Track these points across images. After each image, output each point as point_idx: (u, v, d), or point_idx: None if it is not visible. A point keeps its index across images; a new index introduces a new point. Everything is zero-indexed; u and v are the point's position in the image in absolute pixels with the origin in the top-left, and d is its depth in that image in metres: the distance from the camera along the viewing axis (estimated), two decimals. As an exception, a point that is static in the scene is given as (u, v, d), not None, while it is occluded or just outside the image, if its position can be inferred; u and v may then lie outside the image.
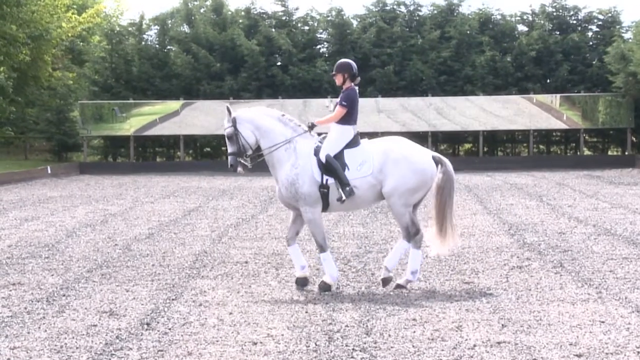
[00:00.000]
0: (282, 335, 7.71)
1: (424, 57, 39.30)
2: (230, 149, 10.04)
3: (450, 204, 10.01)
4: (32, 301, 9.26)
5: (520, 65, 39.22)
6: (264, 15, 41.22)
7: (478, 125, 37.38)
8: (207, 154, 40.23)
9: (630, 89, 35.69)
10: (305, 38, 40.27)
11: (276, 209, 18.56)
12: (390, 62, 39.08)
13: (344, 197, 9.77)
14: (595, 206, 18.67)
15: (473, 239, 13.76)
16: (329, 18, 40.60)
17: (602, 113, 37.11)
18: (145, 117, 37.63)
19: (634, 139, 38.51)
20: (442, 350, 7.16)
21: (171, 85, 39.23)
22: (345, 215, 17.13)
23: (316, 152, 9.90)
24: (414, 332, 7.76)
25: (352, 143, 9.99)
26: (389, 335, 7.64)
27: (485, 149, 39.33)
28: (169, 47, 40.69)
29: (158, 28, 41.17)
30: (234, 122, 10.01)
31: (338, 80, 10.14)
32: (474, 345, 7.27)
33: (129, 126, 37.54)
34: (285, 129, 10.03)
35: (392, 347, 7.26)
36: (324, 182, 9.83)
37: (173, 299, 9.28)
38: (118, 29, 42.76)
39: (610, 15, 40.25)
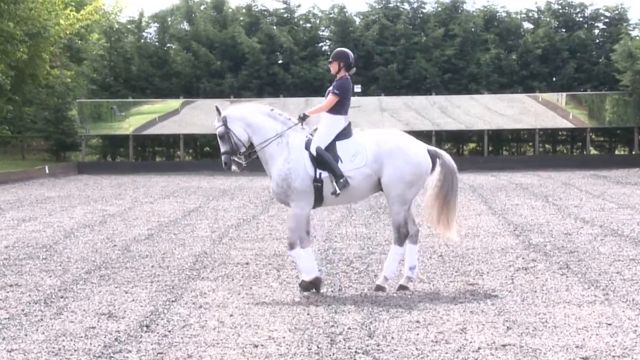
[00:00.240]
0: (284, 337, 7.64)
1: (427, 55, 39.18)
2: (222, 148, 9.95)
3: (454, 199, 9.89)
4: (30, 303, 9.19)
5: (526, 63, 39.05)
6: (265, 13, 41.18)
7: (483, 124, 37.23)
8: (208, 154, 40.01)
9: (638, 87, 35.45)
10: (307, 36, 40.17)
11: (277, 210, 18.49)
12: (394, 60, 38.92)
13: (338, 191, 9.62)
14: (602, 206, 18.58)
15: (478, 239, 13.69)
16: (331, 15, 40.51)
17: (609, 112, 36.91)
18: (145, 116, 37.52)
19: (642, 138, 38.44)
20: (446, 353, 7.09)
21: (171, 83, 39.12)
22: (347, 216, 17.07)
23: (307, 146, 9.76)
24: (418, 334, 7.69)
25: (344, 134, 9.84)
26: (392, 338, 7.57)
27: (490, 149, 39.14)
28: (168, 44, 40.67)
29: (158, 25, 41.12)
30: (224, 121, 9.91)
31: (333, 68, 10.03)
32: (479, 348, 7.20)
33: (128, 125, 37.43)
34: (275, 123, 9.92)
35: (395, 350, 7.19)
36: (317, 175, 9.70)
37: (173, 301, 9.22)
38: (117, 26, 42.70)
39: (617, 12, 40.07)
